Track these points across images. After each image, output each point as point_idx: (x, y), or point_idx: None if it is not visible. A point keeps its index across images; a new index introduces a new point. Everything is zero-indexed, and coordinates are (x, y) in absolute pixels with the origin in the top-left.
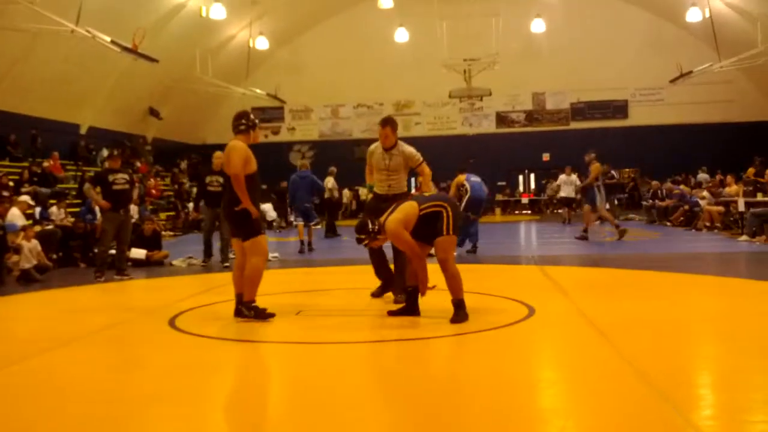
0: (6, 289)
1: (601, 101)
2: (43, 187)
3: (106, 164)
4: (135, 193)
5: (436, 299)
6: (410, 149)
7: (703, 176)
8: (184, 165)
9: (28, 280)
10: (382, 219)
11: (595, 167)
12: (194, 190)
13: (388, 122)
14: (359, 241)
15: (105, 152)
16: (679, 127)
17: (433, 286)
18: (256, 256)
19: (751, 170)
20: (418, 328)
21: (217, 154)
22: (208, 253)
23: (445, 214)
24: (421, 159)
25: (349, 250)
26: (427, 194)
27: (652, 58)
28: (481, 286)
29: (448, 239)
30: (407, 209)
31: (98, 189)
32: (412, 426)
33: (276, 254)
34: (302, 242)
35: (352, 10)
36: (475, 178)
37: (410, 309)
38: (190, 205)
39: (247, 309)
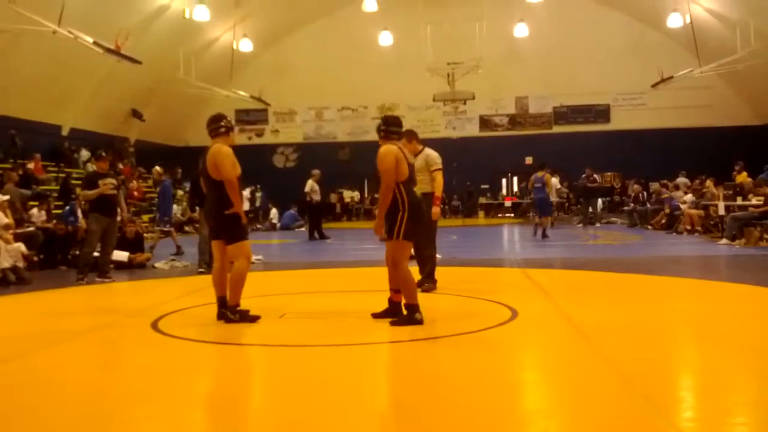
0: None
1: (583, 105)
2: (24, 189)
3: (94, 166)
4: (123, 201)
5: (421, 302)
6: (432, 155)
7: (682, 180)
8: (179, 174)
9: (4, 282)
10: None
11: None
12: (179, 192)
13: (404, 134)
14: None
15: (84, 152)
16: (661, 132)
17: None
18: (240, 259)
19: (743, 175)
20: (401, 330)
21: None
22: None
23: (399, 217)
24: (437, 166)
25: (332, 253)
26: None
27: (633, 63)
28: (464, 288)
29: (396, 244)
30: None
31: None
32: (393, 428)
33: (260, 257)
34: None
35: (337, 13)
36: (538, 183)
37: (394, 312)
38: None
39: (232, 312)
